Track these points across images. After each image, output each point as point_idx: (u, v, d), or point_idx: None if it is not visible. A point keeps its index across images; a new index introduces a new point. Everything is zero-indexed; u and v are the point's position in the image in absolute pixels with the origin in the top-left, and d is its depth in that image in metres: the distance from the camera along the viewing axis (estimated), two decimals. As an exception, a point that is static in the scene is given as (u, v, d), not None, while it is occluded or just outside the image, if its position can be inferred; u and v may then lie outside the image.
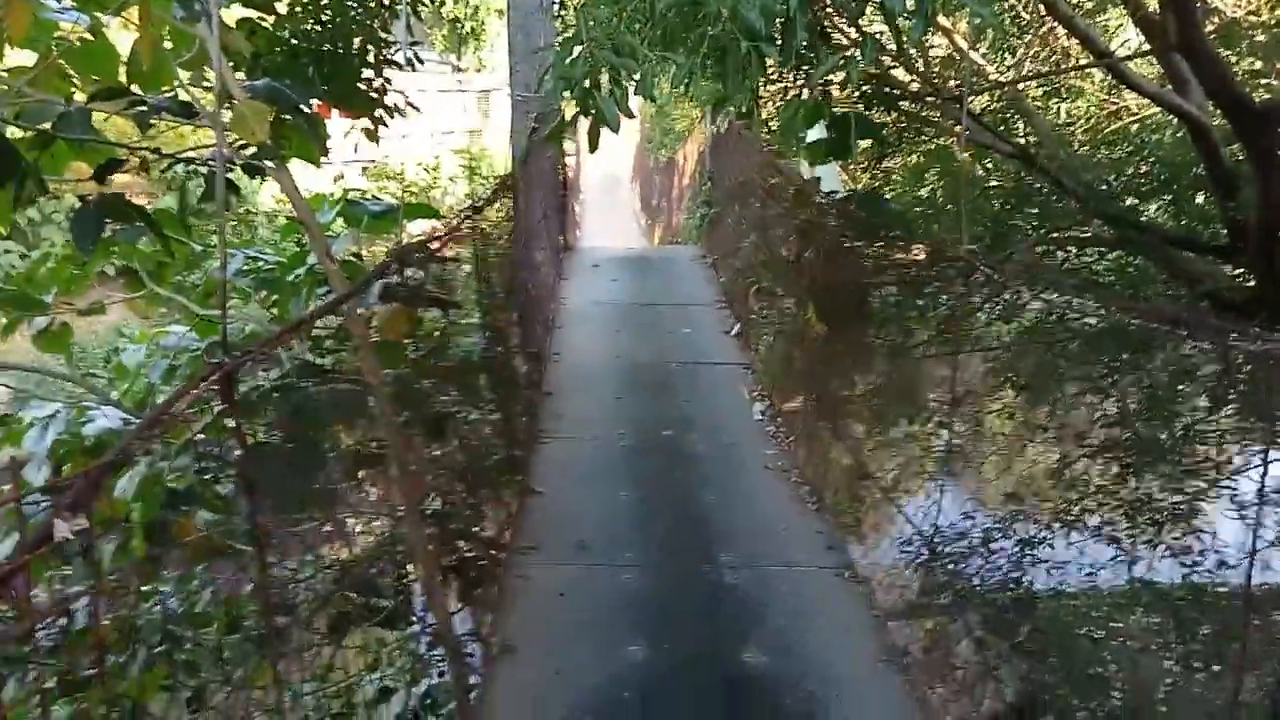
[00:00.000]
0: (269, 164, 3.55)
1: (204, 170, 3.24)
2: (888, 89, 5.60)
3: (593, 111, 2.68)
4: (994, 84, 7.73)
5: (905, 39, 6.10)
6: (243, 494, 1.95)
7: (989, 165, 8.04)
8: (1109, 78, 8.83)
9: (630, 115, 2.83)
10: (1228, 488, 6.27)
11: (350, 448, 3.82)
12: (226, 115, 2.67)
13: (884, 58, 5.99)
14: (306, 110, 3.57)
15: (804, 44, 2.63)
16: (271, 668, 2.79)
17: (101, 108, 2.56)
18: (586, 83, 2.65)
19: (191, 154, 3.21)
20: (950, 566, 4.21)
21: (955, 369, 5.79)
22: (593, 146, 2.96)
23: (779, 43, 2.69)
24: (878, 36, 5.90)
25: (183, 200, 3.80)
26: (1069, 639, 5.94)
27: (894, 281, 4.86)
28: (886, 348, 5.12)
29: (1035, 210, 7.39)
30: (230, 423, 1.98)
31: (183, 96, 2.89)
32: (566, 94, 2.76)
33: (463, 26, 22.79)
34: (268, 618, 3.01)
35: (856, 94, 5.57)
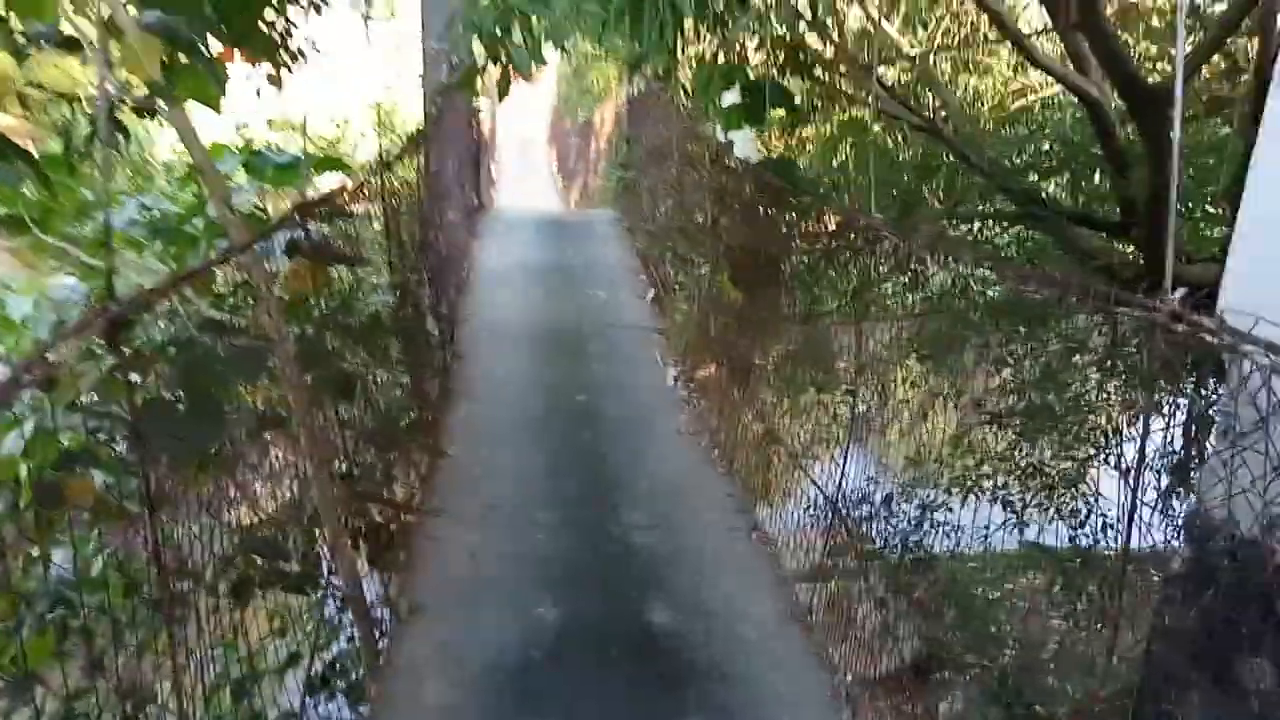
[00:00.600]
0: (162, 105, 3.39)
1: (90, 111, 3.04)
2: (802, 57, 5.64)
3: (504, 60, 2.61)
4: (905, 56, 7.87)
5: (820, 6, 6.16)
6: (134, 451, 1.85)
7: (898, 138, 8.21)
8: (1016, 55, 9.12)
9: (543, 63, 2.78)
10: (1112, 453, 6.65)
11: (253, 407, 3.70)
12: (115, 51, 2.51)
13: (800, 25, 6.03)
14: (204, 50, 3.40)
15: (720, 3, 2.62)
16: (169, 632, 2.74)
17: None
18: (497, 30, 2.58)
19: (76, 92, 3.01)
20: (854, 529, 4.35)
21: (862, 336, 5.94)
22: (502, 94, 2.91)
23: None
24: (792, 3, 5.95)
25: (67, 142, 3.58)
26: (964, 598, 6.23)
27: (806, 249, 4.93)
28: (797, 315, 5.21)
29: (941, 183, 7.61)
30: (120, 376, 1.88)
31: (66, 28, 2.71)
32: (476, 41, 2.70)
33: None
34: (165, 581, 2.94)
35: (772, 61, 5.59)
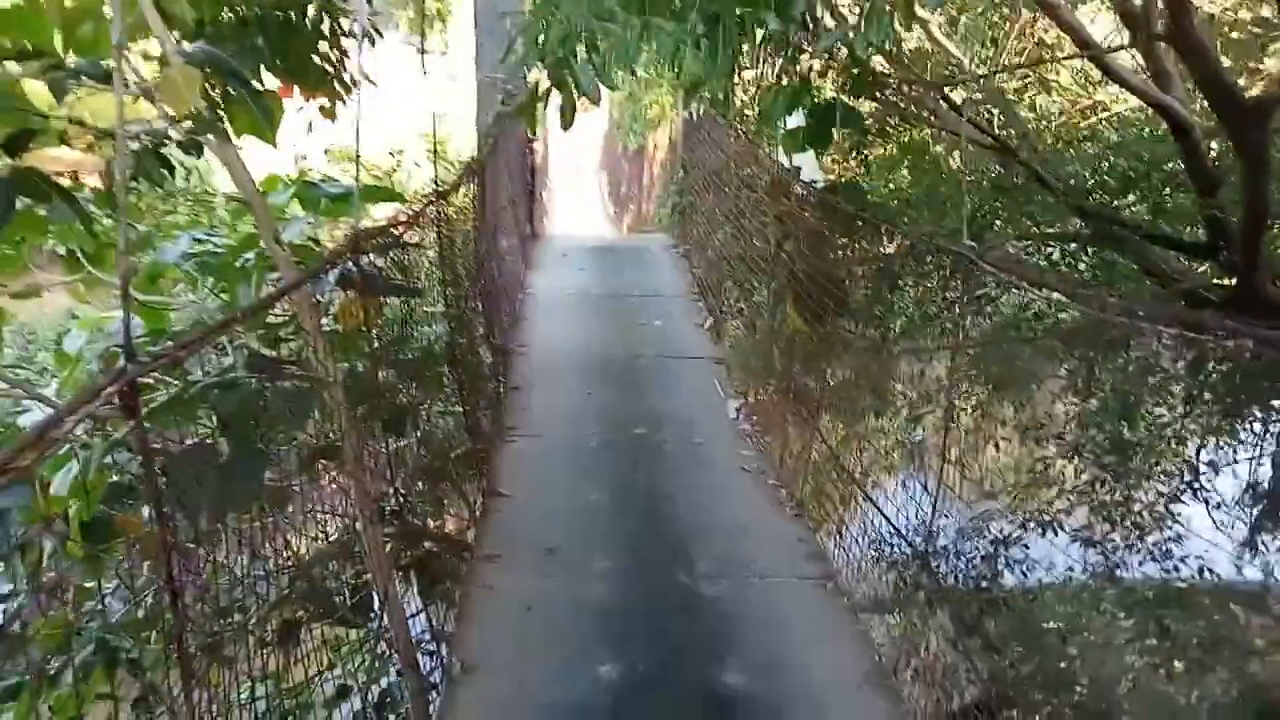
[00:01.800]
0: (209, 138, 3.26)
1: (138, 144, 2.92)
2: (872, 77, 5.39)
3: (567, 83, 2.41)
4: (976, 75, 7.56)
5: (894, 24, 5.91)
6: (153, 507, 1.68)
7: (962, 159, 7.90)
8: (1082, 72, 8.74)
9: (613, 87, 2.57)
10: (1199, 485, 6.22)
11: (302, 444, 3.56)
12: (156, 83, 2.37)
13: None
14: (252, 82, 3.28)
15: (803, 13, 2.39)
16: (219, 670, 2.63)
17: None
18: (560, 51, 2.38)
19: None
20: (930, 567, 4.03)
21: (935, 364, 5.62)
22: (566, 123, 2.70)
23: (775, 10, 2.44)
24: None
25: (109, 176, 3.48)
26: (1037, 635, 5.84)
27: (879, 275, 4.65)
28: (868, 344, 4.92)
29: (1015, 205, 7.26)
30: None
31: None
32: (538, 64, 2.50)
33: (427, 6, 22.23)
34: (211, 622, 2.83)
35: (840, 81, 5.36)
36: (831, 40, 2.98)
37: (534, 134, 11.07)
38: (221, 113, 3.41)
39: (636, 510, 4.76)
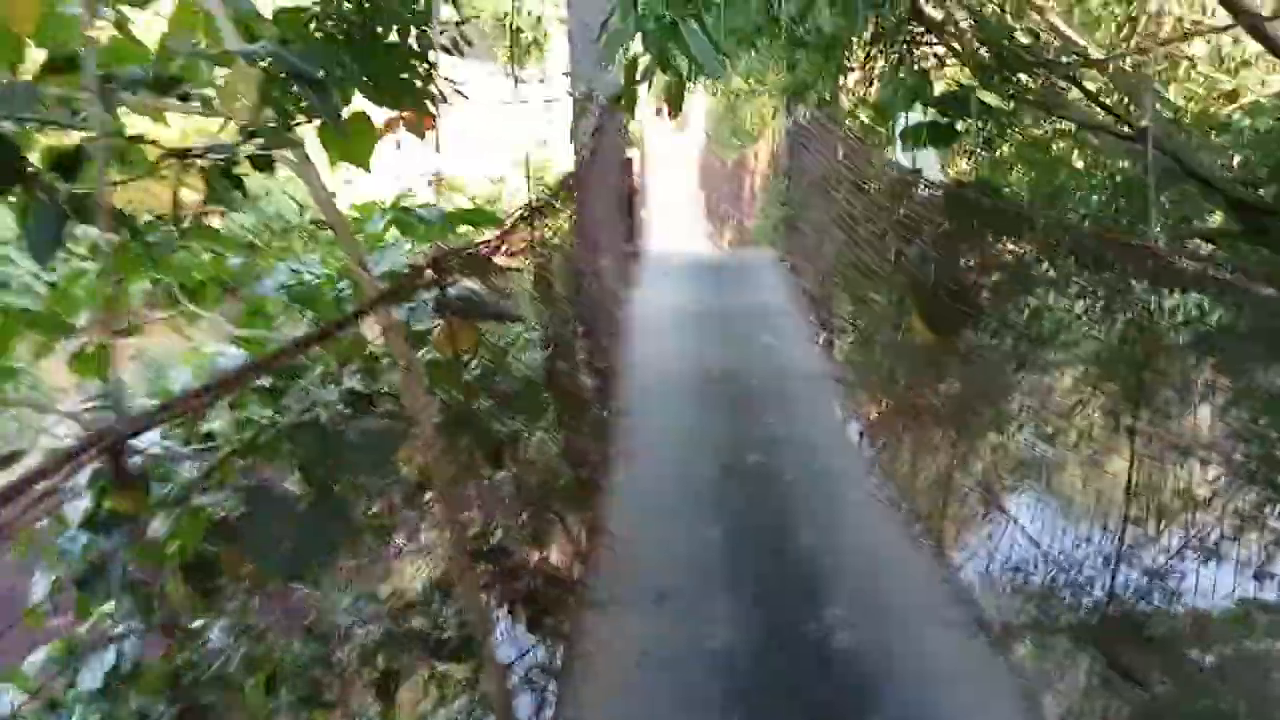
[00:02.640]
0: (287, 156, 3.04)
1: (207, 164, 2.70)
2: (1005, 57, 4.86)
3: (673, 55, 2.02)
4: (1113, 55, 6.86)
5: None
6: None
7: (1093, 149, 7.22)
8: (1218, 55, 7.93)
9: (725, 63, 2.18)
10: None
11: (388, 485, 3.31)
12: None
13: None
14: (333, 95, 3.05)
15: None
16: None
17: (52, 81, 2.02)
18: (665, 12, 1.99)
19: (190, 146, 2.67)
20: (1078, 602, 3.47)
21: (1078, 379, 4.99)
22: (675, 108, 2.31)
23: None
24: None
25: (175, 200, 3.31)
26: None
27: (1028, 279, 4.11)
28: (1009, 357, 4.37)
29: (1143, 199, 6.54)
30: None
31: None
32: (637, 40, 2.13)
33: (524, 35, 22.44)
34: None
35: (969, 68, 4.87)
36: None
37: (628, 164, 10.81)
38: (299, 128, 3.21)
39: (756, 547, 4.32)
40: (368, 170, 4.50)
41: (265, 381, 3.69)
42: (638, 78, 2.26)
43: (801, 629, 3.64)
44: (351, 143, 4.41)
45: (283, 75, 2.76)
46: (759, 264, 10.52)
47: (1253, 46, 8.09)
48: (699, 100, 22.84)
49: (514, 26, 24.31)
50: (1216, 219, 6.34)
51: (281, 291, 4.82)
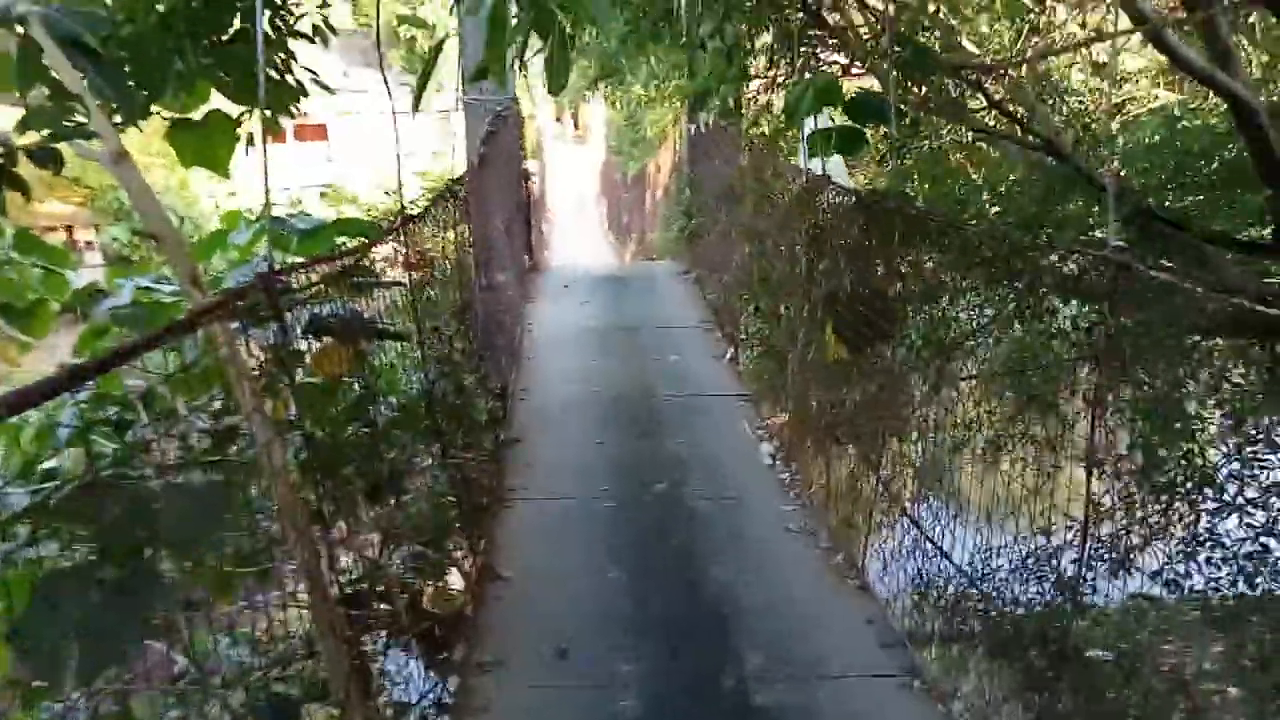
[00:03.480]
0: (90, 148, 2.51)
1: None
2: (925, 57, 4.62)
3: (552, 16, 1.60)
4: (1018, 59, 6.77)
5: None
6: None
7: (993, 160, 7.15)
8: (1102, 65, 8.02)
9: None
10: None
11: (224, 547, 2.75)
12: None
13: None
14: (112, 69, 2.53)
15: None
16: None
17: None
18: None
19: None
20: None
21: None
22: (556, 85, 1.88)
23: None
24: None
25: None
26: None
27: (943, 289, 3.82)
28: (937, 371, 4.07)
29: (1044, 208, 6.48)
30: None
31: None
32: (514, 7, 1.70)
33: (418, 44, 21.80)
34: None
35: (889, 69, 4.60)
36: None
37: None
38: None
39: (665, 591, 3.89)
40: (226, 176, 3.95)
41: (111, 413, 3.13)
42: (503, 43, 1.82)
43: (716, 685, 3.23)
44: (206, 144, 3.83)
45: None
46: (663, 275, 10.19)
47: (1133, 63, 8.27)
48: (599, 111, 22.53)
49: (410, 36, 23.58)
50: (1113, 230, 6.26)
51: (105, 313, 4.20)
